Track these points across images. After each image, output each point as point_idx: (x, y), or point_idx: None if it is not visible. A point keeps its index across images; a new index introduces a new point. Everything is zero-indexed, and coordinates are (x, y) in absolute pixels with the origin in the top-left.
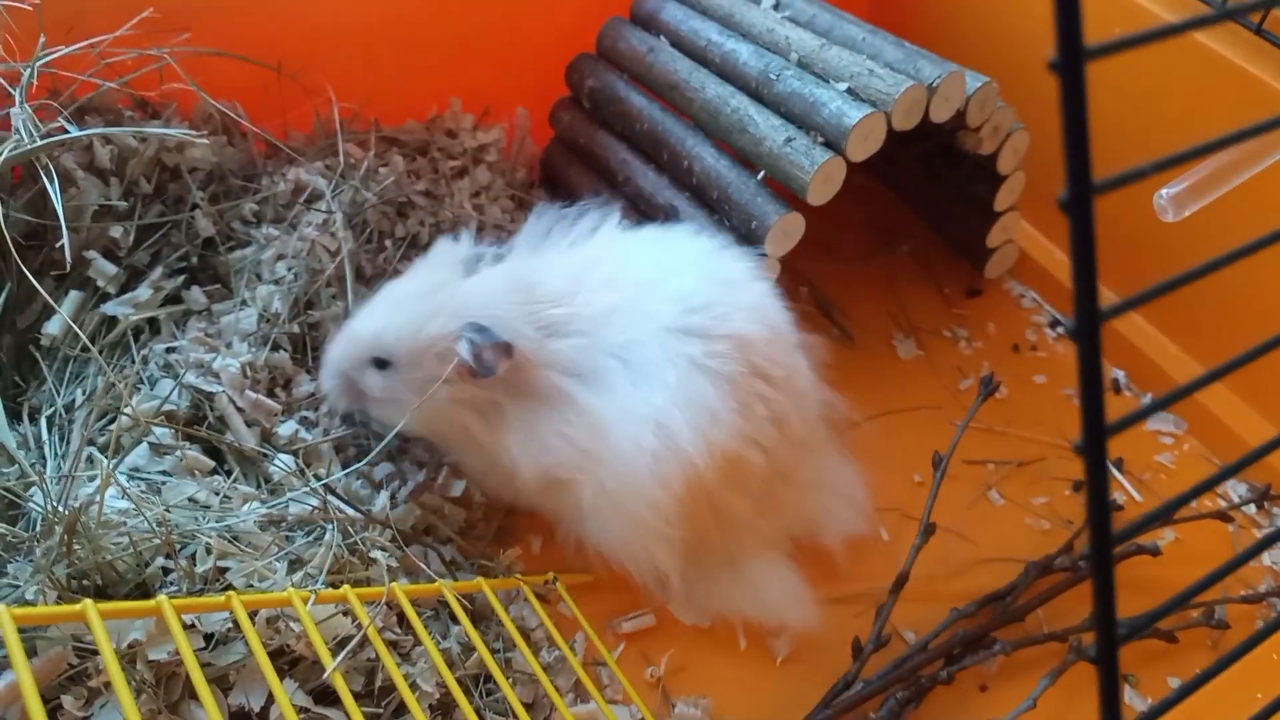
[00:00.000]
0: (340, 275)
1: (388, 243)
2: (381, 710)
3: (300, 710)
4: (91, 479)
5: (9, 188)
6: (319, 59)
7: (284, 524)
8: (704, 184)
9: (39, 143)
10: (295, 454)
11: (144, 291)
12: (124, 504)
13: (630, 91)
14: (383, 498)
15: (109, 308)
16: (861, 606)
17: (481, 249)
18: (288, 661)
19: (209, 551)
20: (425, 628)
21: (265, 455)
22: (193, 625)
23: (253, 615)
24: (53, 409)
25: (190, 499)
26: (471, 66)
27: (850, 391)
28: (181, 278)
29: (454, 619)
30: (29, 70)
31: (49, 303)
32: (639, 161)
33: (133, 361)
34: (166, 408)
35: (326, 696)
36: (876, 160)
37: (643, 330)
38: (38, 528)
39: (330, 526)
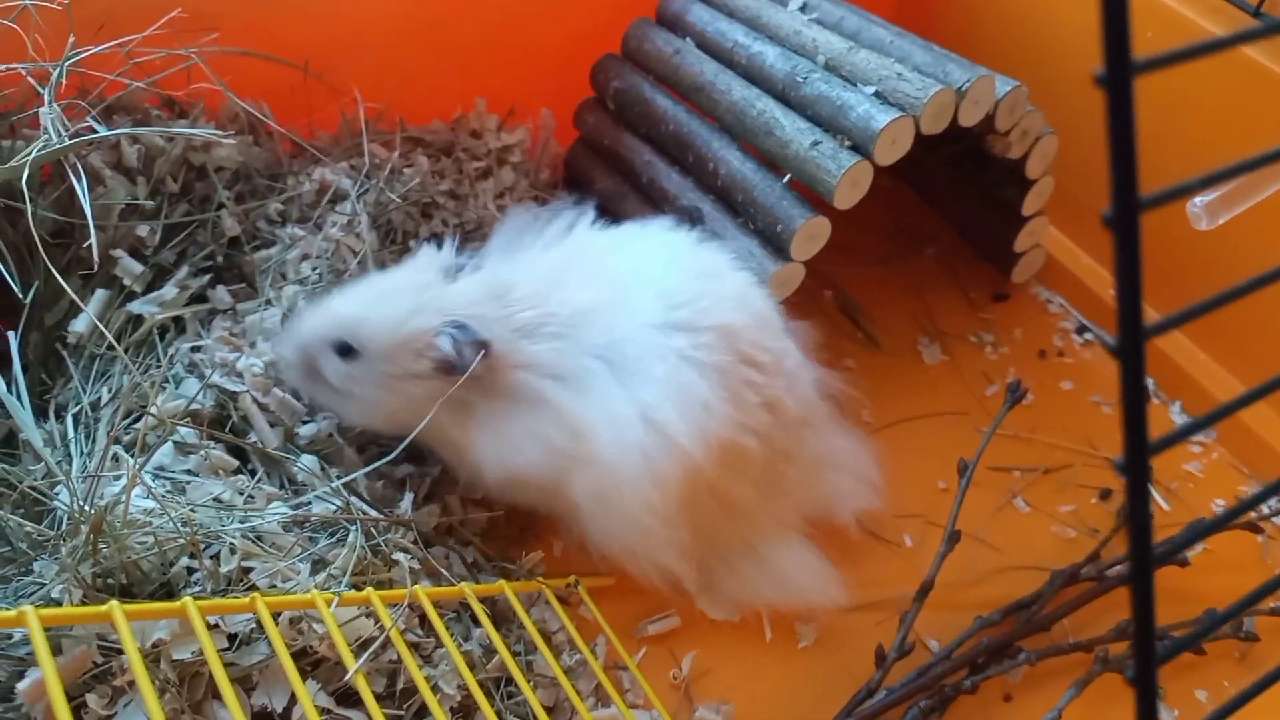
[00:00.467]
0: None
1: (412, 243)
2: (403, 712)
3: (323, 711)
4: (117, 478)
5: (38, 186)
6: (345, 59)
7: (307, 525)
8: (729, 187)
9: (67, 142)
10: (318, 454)
11: (170, 290)
12: (149, 503)
13: (655, 93)
14: (405, 499)
15: (135, 306)
16: (884, 614)
17: (462, 258)
18: (310, 662)
19: (233, 552)
20: (447, 630)
21: (288, 456)
22: (216, 625)
23: (276, 616)
24: (79, 407)
25: (215, 499)
26: (496, 67)
27: (874, 396)
28: (207, 277)
29: (475, 621)
30: (58, 69)
31: (75, 301)
32: (663, 163)
33: (158, 360)
34: (191, 407)
35: (349, 698)
36: (903, 163)
37: (627, 329)
38: (64, 526)
39: (353, 528)
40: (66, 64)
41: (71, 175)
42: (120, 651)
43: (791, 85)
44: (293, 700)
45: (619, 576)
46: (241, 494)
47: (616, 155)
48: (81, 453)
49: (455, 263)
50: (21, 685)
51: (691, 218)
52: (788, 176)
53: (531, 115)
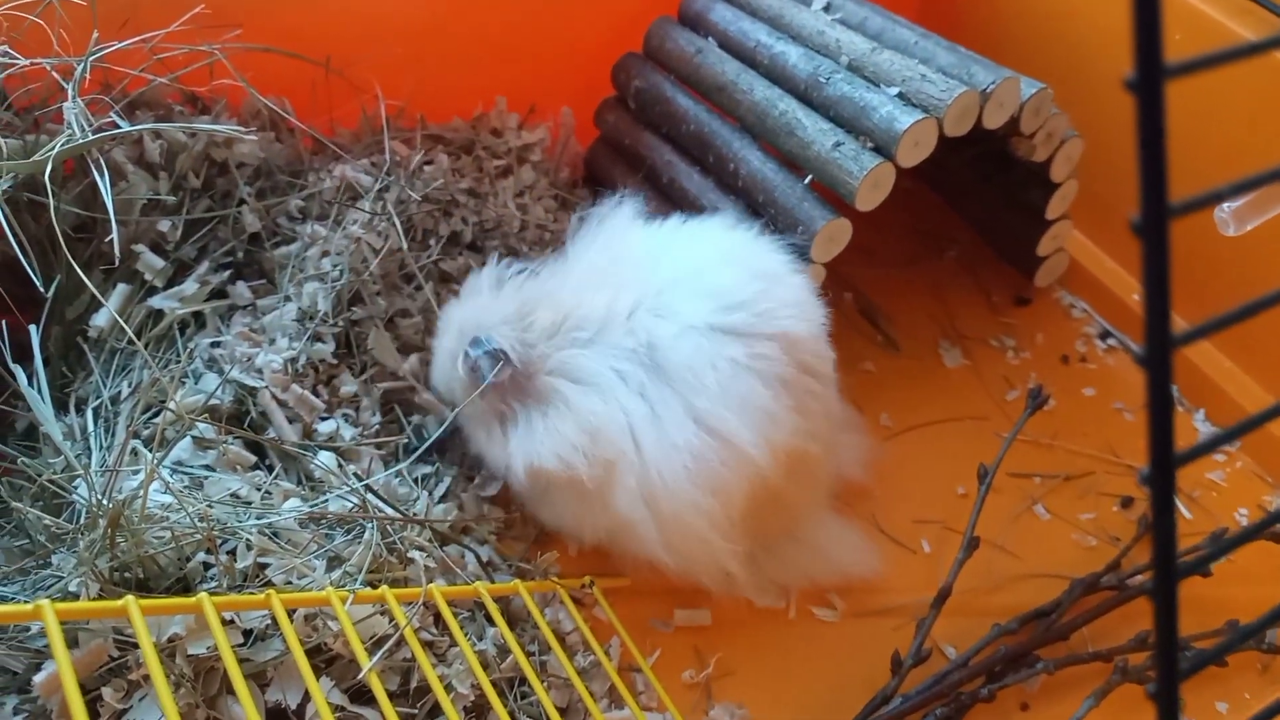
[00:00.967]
0: (385, 273)
1: (432, 241)
2: (416, 711)
3: (336, 708)
4: (136, 472)
5: (60, 181)
6: (366, 56)
7: (324, 522)
8: (749, 187)
9: (90, 137)
10: (335, 451)
11: (190, 286)
12: (167, 498)
13: (677, 92)
14: (421, 498)
15: (156, 301)
16: (901, 620)
17: (513, 269)
18: (325, 660)
19: (249, 548)
20: (461, 629)
21: (306, 452)
22: (232, 621)
23: (291, 613)
24: (99, 401)
25: (232, 494)
26: (517, 65)
27: (894, 400)
28: (227, 273)
29: (490, 621)
30: (82, 65)
31: (97, 296)
32: (684, 163)
33: (178, 355)
34: (210, 402)
35: (362, 695)
36: (925, 165)
37: (663, 330)
38: (82, 520)
39: (370, 525)
40: (90, 59)
41: (94, 170)
42: (136, 646)
43: (814, 85)
44: (306, 697)
45: (633, 578)
46: (259, 490)
47: (637, 155)
48: (101, 447)
49: (504, 274)
50: (38, 678)
51: None
52: (809, 177)
53: (552, 114)
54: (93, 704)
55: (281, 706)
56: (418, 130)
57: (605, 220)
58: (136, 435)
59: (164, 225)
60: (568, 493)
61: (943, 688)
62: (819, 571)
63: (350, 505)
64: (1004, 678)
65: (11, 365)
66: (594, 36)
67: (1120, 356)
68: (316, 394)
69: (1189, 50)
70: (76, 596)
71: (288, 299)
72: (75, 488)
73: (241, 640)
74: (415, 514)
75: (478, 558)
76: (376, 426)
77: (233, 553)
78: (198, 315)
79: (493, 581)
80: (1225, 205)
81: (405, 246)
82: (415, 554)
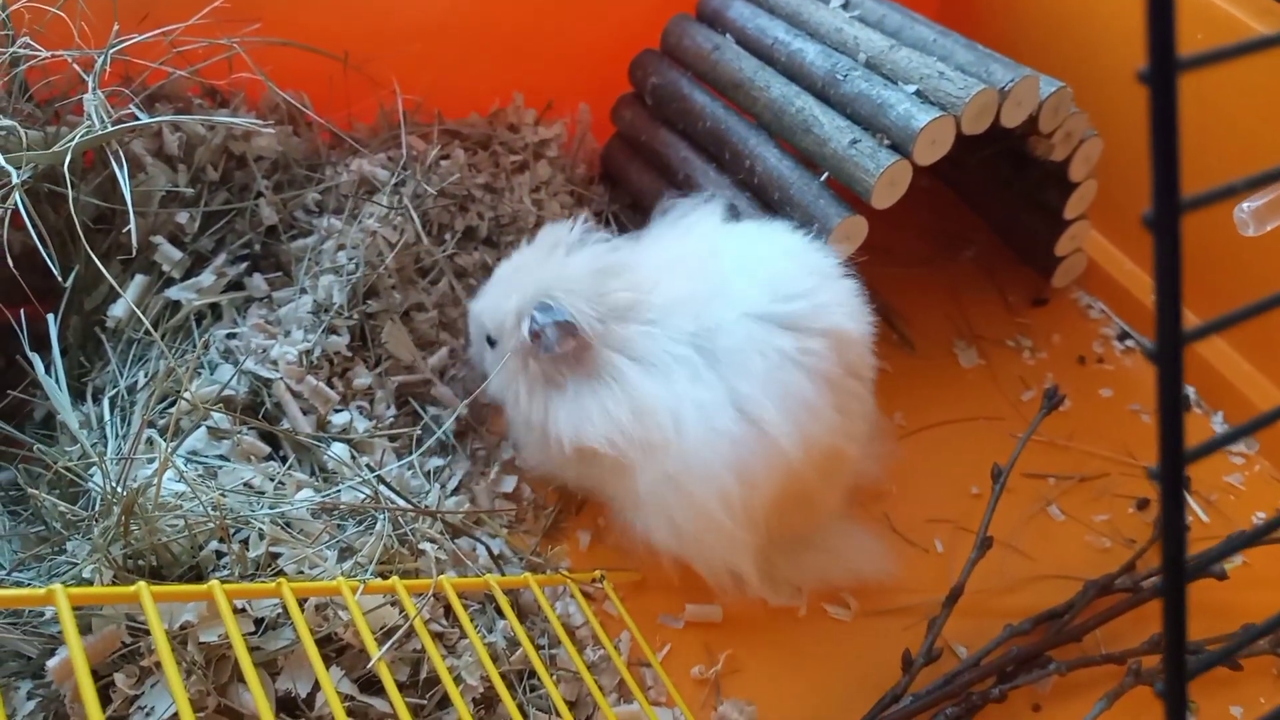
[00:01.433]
0: (400, 267)
1: (447, 236)
2: (425, 702)
3: (345, 698)
4: (150, 461)
5: (80, 172)
6: (384, 51)
7: (336, 512)
8: (765, 184)
9: (110, 128)
10: (349, 443)
11: (207, 277)
12: (181, 487)
13: (693, 89)
14: (433, 491)
15: (173, 293)
16: (912, 619)
17: (590, 235)
18: (335, 649)
19: (262, 537)
20: (471, 621)
21: (319, 443)
22: (243, 610)
23: (302, 602)
24: (115, 390)
25: (245, 484)
26: (535, 61)
27: (909, 399)
28: (244, 265)
29: (500, 613)
30: (102, 57)
31: (115, 286)
32: (700, 160)
33: (194, 346)
34: (225, 393)
35: (371, 686)
36: (943, 164)
37: (722, 316)
38: (96, 507)
39: (381, 516)
40: (111, 52)
41: (113, 162)
42: (148, 632)
43: (831, 83)
44: (316, 686)
45: (644, 573)
46: (272, 480)
47: (653, 151)
48: (116, 436)
49: (579, 238)
50: (51, 663)
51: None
52: (825, 175)
53: (569, 110)
54: (105, 690)
55: (291, 695)
56: (435, 125)
57: (687, 214)
58: (152, 425)
59: (182, 217)
60: (599, 465)
61: (953, 687)
62: (833, 573)
63: (362, 496)
64: (1015, 678)
65: (30, 354)
66: (611, 33)
67: (1138, 358)
68: (331, 386)
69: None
70: (90, 583)
71: (303, 291)
72: (90, 475)
73: (252, 629)
74: (427, 506)
75: (489, 550)
76: (391, 419)
77: (245, 542)
78: (214, 307)
79: (503, 574)
80: (1245, 205)
81: (425, 240)
82: (426, 546)
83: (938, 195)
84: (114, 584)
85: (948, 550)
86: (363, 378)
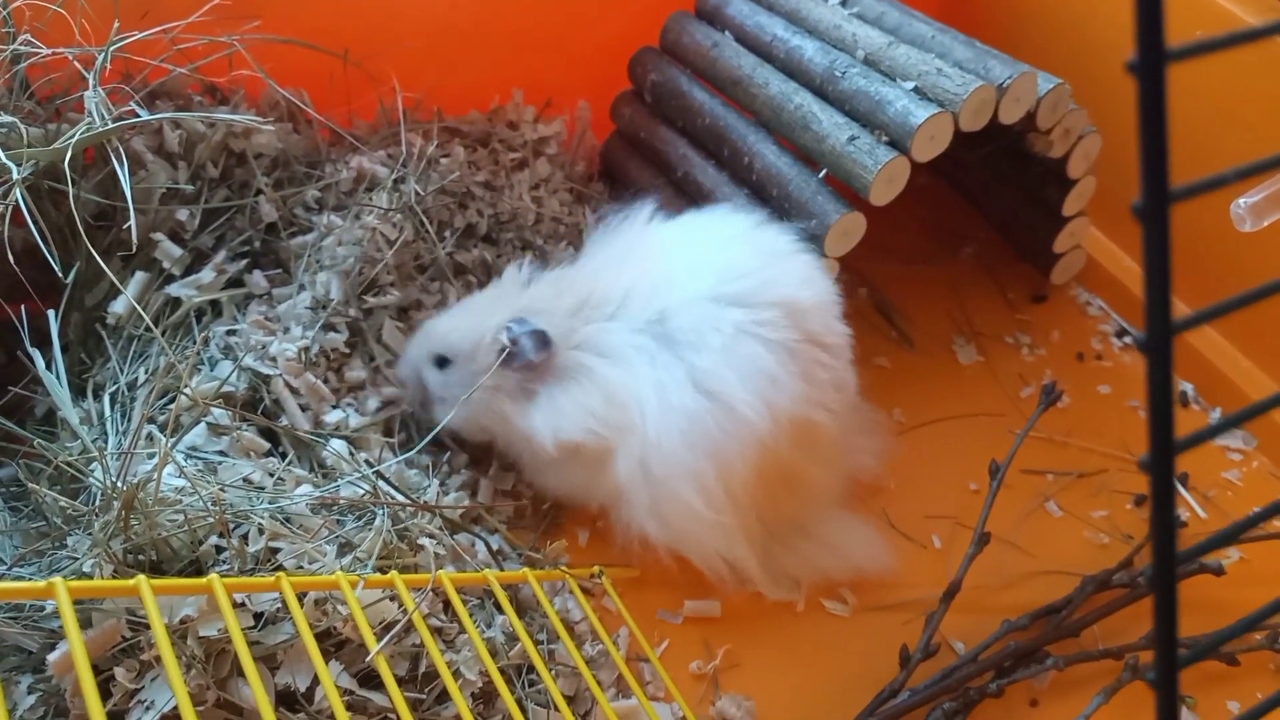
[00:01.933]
0: (399, 264)
1: (447, 233)
2: (424, 696)
3: (344, 692)
4: (150, 456)
5: (81, 169)
6: (384, 48)
7: (335, 508)
8: (764, 181)
9: (110, 125)
10: (346, 439)
11: (207, 274)
12: (180, 482)
13: (692, 86)
14: (432, 486)
15: (173, 289)
16: (910, 614)
17: (538, 270)
18: (334, 644)
19: (261, 532)
20: (470, 616)
21: (318, 439)
22: (242, 604)
23: (301, 597)
24: (116, 386)
25: (245, 479)
26: (534, 58)
27: (908, 396)
28: (244, 262)
29: (498, 608)
30: (103, 55)
31: (115, 283)
32: (699, 157)
33: (194, 342)
34: (225, 389)
35: (370, 680)
36: (941, 160)
37: (675, 301)
38: (97, 502)
39: (380, 512)
40: (111, 49)
41: (114, 159)
42: (148, 627)
43: (830, 79)
44: (315, 680)
45: (644, 568)
46: (271, 475)
47: (652, 148)
48: (117, 431)
49: (531, 275)
50: (52, 656)
51: None
52: (824, 171)
53: (568, 107)
54: (105, 684)
55: (291, 689)
56: (434, 122)
57: (621, 218)
58: (152, 420)
59: (182, 214)
60: (582, 461)
61: (951, 682)
62: (832, 566)
63: (361, 492)
64: (1013, 673)
65: (31, 350)
66: (611, 31)
67: (1136, 355)
68: (328, 382)
69: (1219, 55)
70: (90, 578)
71: (302, 288)
72: (91, 471)
73: (252, 623)
74: (425, 502)
75: (487, 546)
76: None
77: (244, 537)
78: (214, 304)
79: (502, 570)
80: (1241, 201)
81: (432, 236)
82: (425, 541)
83: (937, 193)
84: (114, 578)
85: (946, 546)
86: (358, 372)
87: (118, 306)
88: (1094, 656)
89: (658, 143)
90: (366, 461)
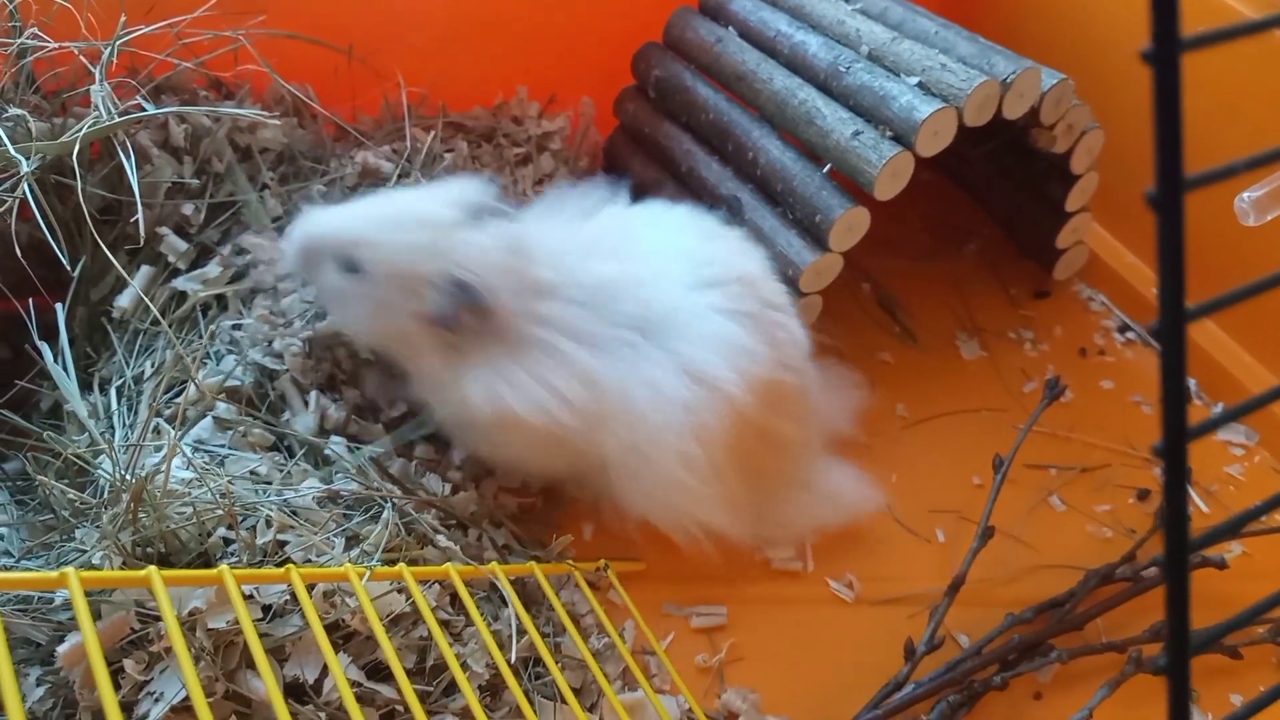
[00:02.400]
0: None
1: None
2: (432, 688)
3: (353, 684)
4: (158, 449)
5: (87, 163)
6: (389, 43)
7: (341, 501)
8: (768, 176)
9: (117, 120)
10: (349, 436)
11: (213, 268)
12: (188, 474)
13: (696, 82)
14: (436, 480)
15: (179, 283)
16: (915, 608)
17: (495, 205)
18: (342, 636)
19: (269, 525)
20: (477, 609)
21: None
22: (251, 596)
23: (310, 589)
24: (122, 380)
25: (252, 472)
26: (538, 54)
27: (911, 391)
28: (249, 255)
29: (505, 602)
30: (109, 49)
31: (122, 276)
32: (703, 152)
33: (200, 336)
34: (230, 383)
35: (379, 672)
36: (944, 156)
37: (666, 299)
38: (105, 495)
39: (387, 505)
40: (117, 43)
41: (120, 153)
42: (158, 618)
43: (834, 75)
44: (325, 672)
45: (649, 561)
46: (280, 470)
47: (656, 144)
48: (124, 424)
49: (487, 205)
50: (62, 648)
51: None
52: (828, 166)
53: (572, 103)
54: (114, 676)
55: (300, 681)
56: (439, 117)
57: (592, 197)
58: (159, 414)
59: (188, 208)
60: (534, 438)
61: (955, 675)
62: (828, 515)
63: (368, 485)
64: (1017, 666)
65: (38, 344)
66: (614, 26)
67: (1139, 350)
68: (332, 376)
69: (1222, 49)
70: (100, 569)
71: (306, 282)
72: (99, 463)
73: (261, 615)
74: (432, 495)
75: (494, 540)
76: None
77: (253, 529)
78: (220, 298)
79: (508, 563)
80: (1246, 195)
81: None
82: (432, 535)
83: (940, 188)
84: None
85: (950, 540)
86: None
87: (124, 300)
88: (1097, 650)
89: (661, 138)
90: (370, 455)
